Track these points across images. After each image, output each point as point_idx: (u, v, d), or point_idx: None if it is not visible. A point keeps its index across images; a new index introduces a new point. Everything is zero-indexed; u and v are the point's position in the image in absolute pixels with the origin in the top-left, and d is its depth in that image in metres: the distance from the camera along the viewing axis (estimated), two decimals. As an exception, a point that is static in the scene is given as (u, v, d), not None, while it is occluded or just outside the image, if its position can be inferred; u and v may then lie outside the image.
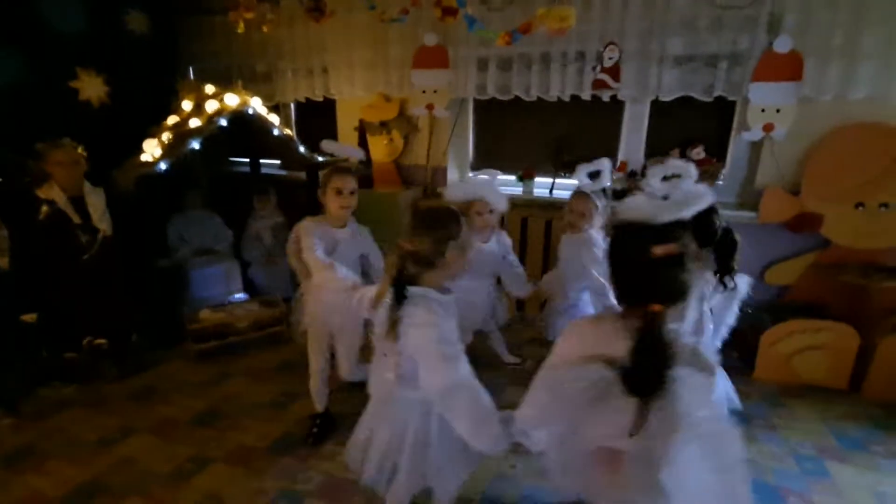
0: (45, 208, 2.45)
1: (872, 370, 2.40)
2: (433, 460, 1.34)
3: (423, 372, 1.23)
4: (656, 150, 2.95)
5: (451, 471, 1.40)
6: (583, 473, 1.08)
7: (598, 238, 2.12)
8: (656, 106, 2.88)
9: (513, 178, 3.21)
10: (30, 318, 2.57)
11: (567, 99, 2.90)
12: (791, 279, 2.68)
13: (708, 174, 2.73)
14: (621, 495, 0.99)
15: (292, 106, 4.01)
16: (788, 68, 2.41)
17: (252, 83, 3.72)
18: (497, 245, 2.33)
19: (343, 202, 1.93)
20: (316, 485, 1.91)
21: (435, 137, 3.38)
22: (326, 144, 2.21)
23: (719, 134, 2.85)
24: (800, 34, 2.38)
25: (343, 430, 1.99)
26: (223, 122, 2.83)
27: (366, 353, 2.15)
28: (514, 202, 2.53)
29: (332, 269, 1.78)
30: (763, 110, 2.51)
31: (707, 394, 0.94)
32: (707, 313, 1.46)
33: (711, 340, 1.50)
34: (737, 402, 1.71)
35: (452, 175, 3.47)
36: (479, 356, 1.60)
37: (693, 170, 1.58)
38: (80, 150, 2.52)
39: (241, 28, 3.11)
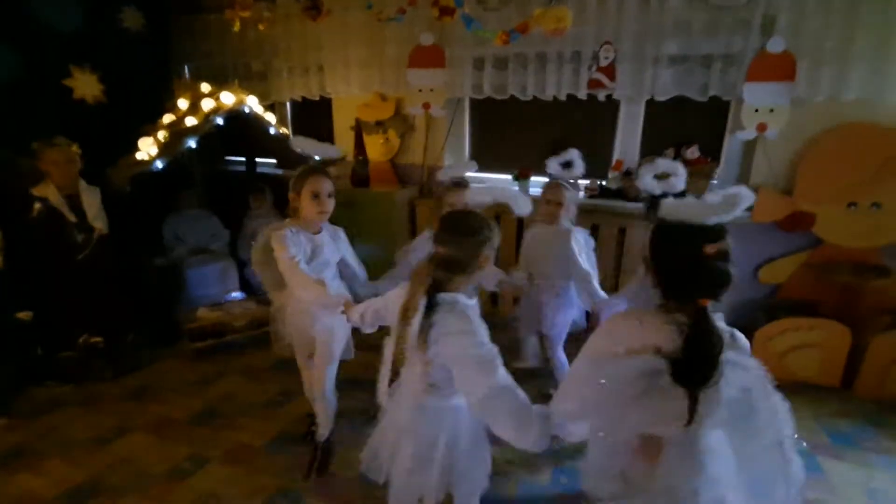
0: (37, 206, 2.43)
1: (864, 368, 2.44)
2: (462, 467, 1.33)
3: (460, 380, 1.19)
4: (651, 149, 2.97)
5: (477, 475, 1.38)
6: (621, 463, 1.10)
7: (574, 228, 2.12)
8: (651, 106, 2.90)
9: (509, 177, 3.22)
10: (25, 315, 2.55)
11: (563, 98, 2.91)
12: (783, 278, 2.70)
13: (702, 174, 2.75)
14: (660, 483, 1.01)
15: (288, 105, 4.01)
16: (781, 69, 2.43)
17: (248, 82, 3.71)
18: None
19: (321, 207, 1.76)
20: (314, 482, 1.92)
21: (431, 137, 3.38)
22: (299, 142, 1.97)
23: (714, 134, 2.87)
24: (793, 35, 2.41)
25: (342, 428, 2.00)
26: (219, 121, 2.82)
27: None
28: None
29: (324, 287, 1.67)
30: (757, 110, 2.54)
31: (749, 375, 0.99)
32: None
33: None
34: None
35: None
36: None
37: (681, 169, 1.65)
38: (74, 148, 2.51)
39: (237, 26, 3.10)
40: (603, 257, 2.98)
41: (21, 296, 2.54)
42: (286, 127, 3.84)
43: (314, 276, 1.71)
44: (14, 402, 2.42)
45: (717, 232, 0.98)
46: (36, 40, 2.81)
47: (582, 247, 2.09)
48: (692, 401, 0.94)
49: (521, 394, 1.17)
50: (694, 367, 0.94)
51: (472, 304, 1.25)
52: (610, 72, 2.72)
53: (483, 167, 3.43)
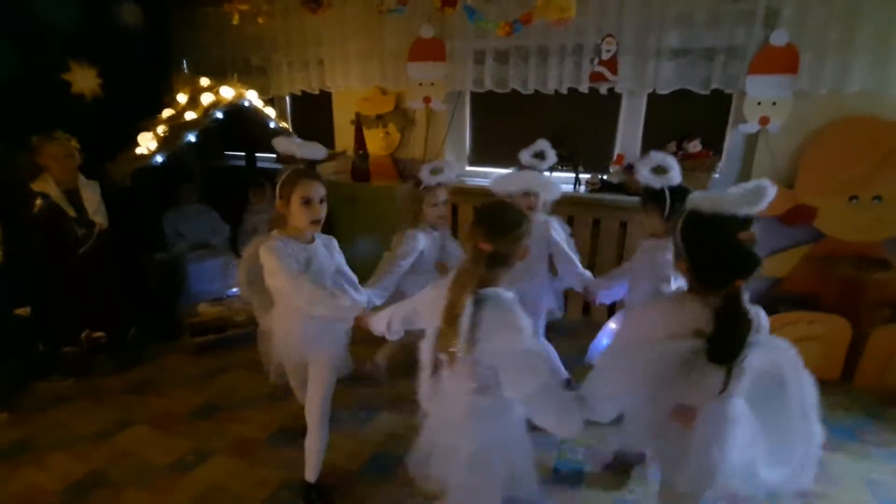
0: (38, 202, 2.43)
1: (864, 361, 2.45)
2: (522, 465, 1.31)
3: (507, 378, 1.17)
4: (653, 143, 2.96)
5: (531, 469, 1.36)
6: (656, 430, 1.21)
7: (551, 218, 2.19)
8: (653, 99, 2.89)
9: (509, 171, 3.20)
10: (23, 311, 2.55)
11: (564, 92, 2.90)
12: (784, 271, 2.70)
13: (704, 167, 2.74)
14: (693, 445, 1.10)
15: (287, 99, 3.99)
16: (784, 61, 2.42)
17: (247, 76, 3.69)
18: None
19: (313, 214, 1.59)
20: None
21: (432, 131, 3.37)
22: (281, 143, 1.77)
23: (716, 127, 2.86)
24: (796, 28, 2.39)
25: (345, 421, 2.01)
26: (219, 115, 2.81)
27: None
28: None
29: (338, 297, 1.58)
30: (759, 103, 2.53)
31: (780, 353, 1.11)
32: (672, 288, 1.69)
33: None
34: None
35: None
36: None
37: (674, 162, 1.75)
38: (73, 143, 2.50)
39: (235, 20, 3.08)
40: (604, 251, 2.99)
41: (22, 291, 2.55)
42: (286, 121, 3.82)
43: (326, 288, 1.59)
44: (17, 396, 2.43)
45: (747, 220, 1.09)
46: (34, 35, 2.79)
47: (561, 235, 2.15)
48: (727, 374, 1.04)
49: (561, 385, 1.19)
50: (728, 343, 1.05)
51: (511, 297, 1.22)
52: (612, 65, 2.71)
53: (483, 161, 3.45)
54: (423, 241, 2.20)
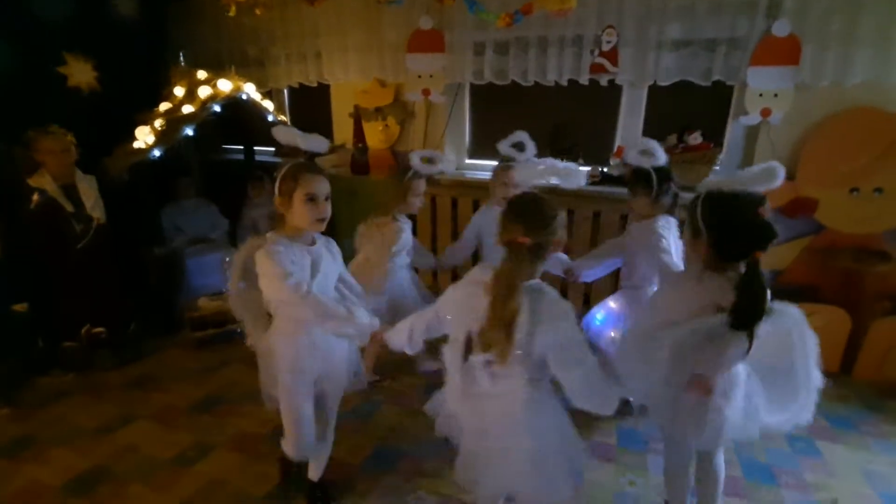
0: (36, 197, 2.42)
1: (863, 353, 2.46)
2: (579, 458, 1.31)
3: (557, 365, 1.18)
4: (654, 135, 2.92)
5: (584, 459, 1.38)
6: (675, 393, 1.30)
7: None
8: (653, 91, 2.87)
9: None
10: (20, 307, 2.54)
11: (565, 84, 2.88)
12: (785, 263, 2.70)
13: (705, 159, 2.73)
14: (709, 410, 1.25)
15: (285, 92, 3.96)
16: (786, 52, 2.40)
17: (244, 68, 3.65)
18: None
19: (319, 212, 1.43)
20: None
21: (431, 123, 3.35)
22: (283, 133, 1.59)
23: (717, 119, 2.84)
24: (798, 18, 2.37)
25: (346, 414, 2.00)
26: (216, 109, 2.79)
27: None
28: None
29: (355, 312, 1.42)
30: (761, 95, 2.51)
31: (789, 318, 1.25)
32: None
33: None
34: None
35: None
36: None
37: (658, 147, 1.93)
38: (69, 137, 2.48)
39: (232, 11, 3.04)
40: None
41: (21, 287, 2.54)
42: (284, 114, 3.79)
43: (341, 305, 1.42)
44: (18, 392, 2.43)
45: (763, 198, 1.23)
46: (28, 28, 2.76)
47: None
48: (749, 338, 1.17)
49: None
50: (752, 309, 1.16)
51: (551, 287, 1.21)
52: (612, 56, 2.68)
53: (483, 154, 3.44)
54: (409, 234, 2.18)
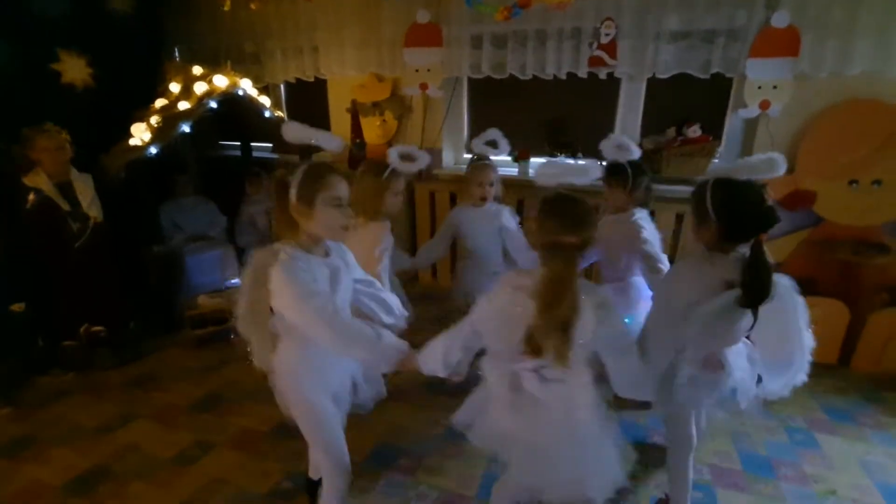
0: (31, 196, 2.40)
1: (861, 345, 2.46)
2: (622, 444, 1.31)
3: (611, 358, 1.21)
4: (653, 128, 2.93)
5: None
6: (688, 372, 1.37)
7: (503, 207, 2.27)
8: (652, 83, 2.85)
9: (508, 158, 3.18)
10: (18, 307, 2.53)
11: (563, 77, 2.86)
12: (783, 255, 2.70)
13: (704, 152, 2.72)
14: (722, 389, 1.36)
15: (282, 87, 3.93)
16: (786, 44, 2.39)
17: (240, 64, 3.62)
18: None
19: (343, 219, 1.27)
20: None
21: (429, 118, 3.33)
22: (292, 130, 1.44)
23: (715, 112, 2.83)
24: (797, 9, 2.36)
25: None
26: (213, 105, 2.77)
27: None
28: (510, 183, 2.52)
29: (384, 337, 1.27)
30: (760, 87, 2.50)
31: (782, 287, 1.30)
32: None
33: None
34: None
35: (448, 157, 3.44)
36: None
37: (631, 142, 2.02)
38: (64, 135, 2.46)
39: (227, 5, 3.02)
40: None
41: (20, 286, 2.53)
42: (281, 110, 3.77)
43: (369, 328, 1.27)
44: (18, 392, 2.43)
45: (763, 185, 1.32)
46: (21, 23, 2.72)
47: (512, 223, 2.24)
48: (755, 315, 1.25)
49: None
50: (759, 287, 1.23)
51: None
52: (611, 49, 2.67)
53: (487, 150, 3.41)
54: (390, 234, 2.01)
